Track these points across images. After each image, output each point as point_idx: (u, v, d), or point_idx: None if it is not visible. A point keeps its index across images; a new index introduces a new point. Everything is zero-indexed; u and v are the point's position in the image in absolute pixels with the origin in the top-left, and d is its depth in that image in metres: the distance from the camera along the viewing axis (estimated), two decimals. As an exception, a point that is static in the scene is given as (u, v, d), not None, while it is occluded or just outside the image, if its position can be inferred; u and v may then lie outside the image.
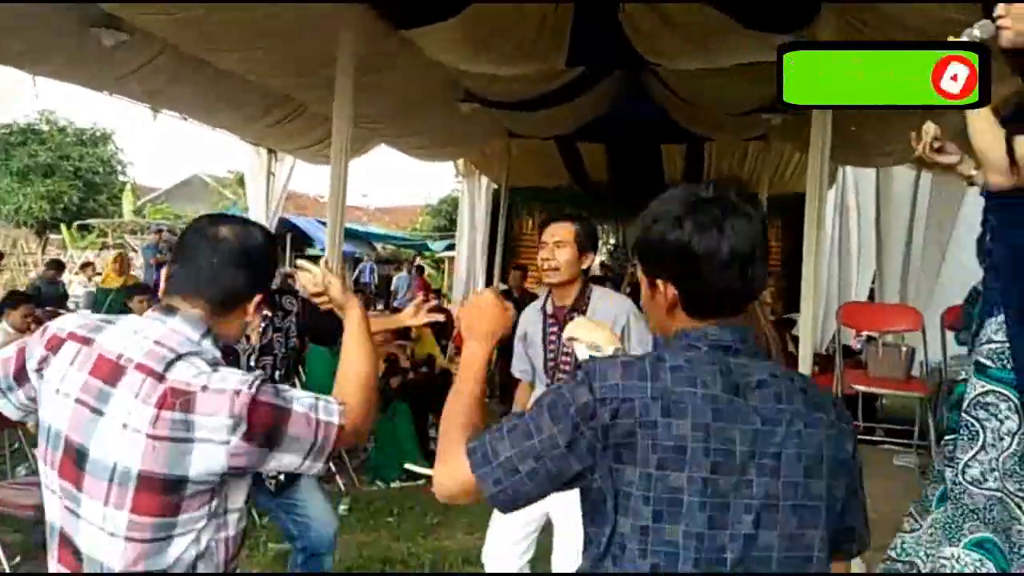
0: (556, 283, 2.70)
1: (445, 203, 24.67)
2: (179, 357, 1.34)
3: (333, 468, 5.17)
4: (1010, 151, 1.81)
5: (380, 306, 11.02)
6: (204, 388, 1.31)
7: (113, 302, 8.04)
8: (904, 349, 5.30)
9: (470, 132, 9.36)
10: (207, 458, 1.30)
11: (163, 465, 1.29)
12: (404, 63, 6.43)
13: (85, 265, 15.38)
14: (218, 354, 1.41)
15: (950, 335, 4.64)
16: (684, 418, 1.10)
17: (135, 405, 1.31)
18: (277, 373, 2.66)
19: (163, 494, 1.31)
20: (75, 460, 1.34)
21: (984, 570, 1.83)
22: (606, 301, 2.75)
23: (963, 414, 1.92)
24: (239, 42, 5.51)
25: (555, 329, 2.74)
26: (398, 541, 4.35)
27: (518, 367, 2.96)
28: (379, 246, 22.13)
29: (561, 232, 2.67)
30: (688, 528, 1.08)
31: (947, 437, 2.04)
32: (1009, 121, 1.84)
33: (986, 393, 1.87)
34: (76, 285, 12.90)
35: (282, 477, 2.62)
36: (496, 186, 11.76)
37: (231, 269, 1.42)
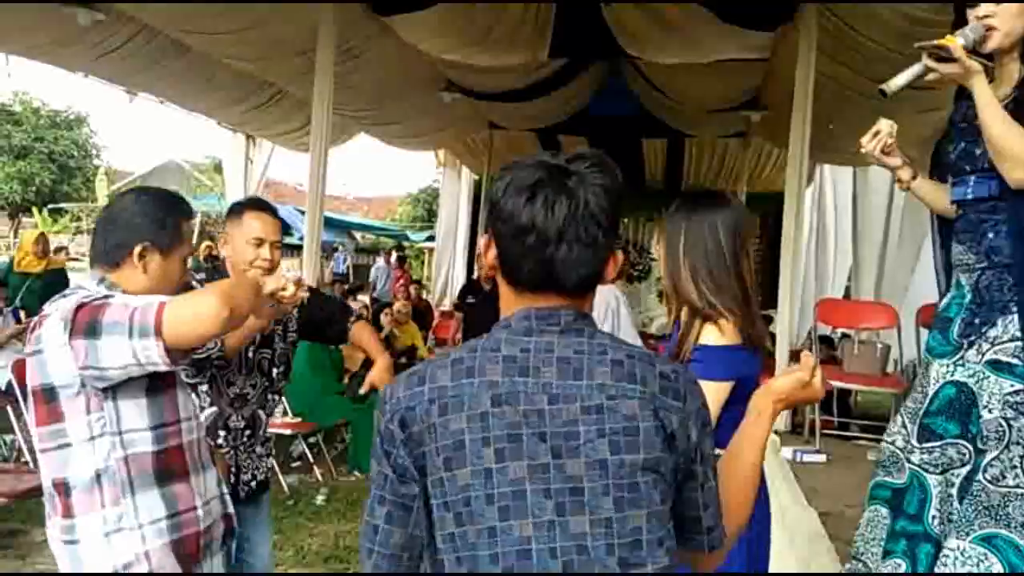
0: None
1: (425, 193, 24.57)
2: (63, 297, 1.61)
3: (311, 458, 5.15)
4: None
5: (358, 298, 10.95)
6: (57, 309, 1.56)
7: (31, 288, 6.84)
8: (879, 346, 5.36)
9: (451, 122, 9.33)
10: (57, 362, 1.53)
11: (36, 378, 1.57)
12: (385, 50, 6.39)
13: (58, 249, 15.12)
14: (105, 292, 1.62)
15: (924, 332, 4.69)
16: (460, 411, 1.02)
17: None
18: (275, 370, 2.50)
19: (45, 404, 1.57)
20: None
21: (987, 564, 1.81)
22: (632, 302, 2.73)
23: (991, 415, 1.86)
24: (216, 23, 5.44)
25: None
26: (374, 531, 4.33)
27: None
28: (358, 235, 22.00)
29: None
30: (480, 525, 1.01)
31: (928, 444, 1.99)
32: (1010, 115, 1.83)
33: (1016, 392, 1.83)
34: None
35: (254, 485, 2.49)
36: (477, 177, 11.73)
37: (103, 232, 1.71)
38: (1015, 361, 1.84)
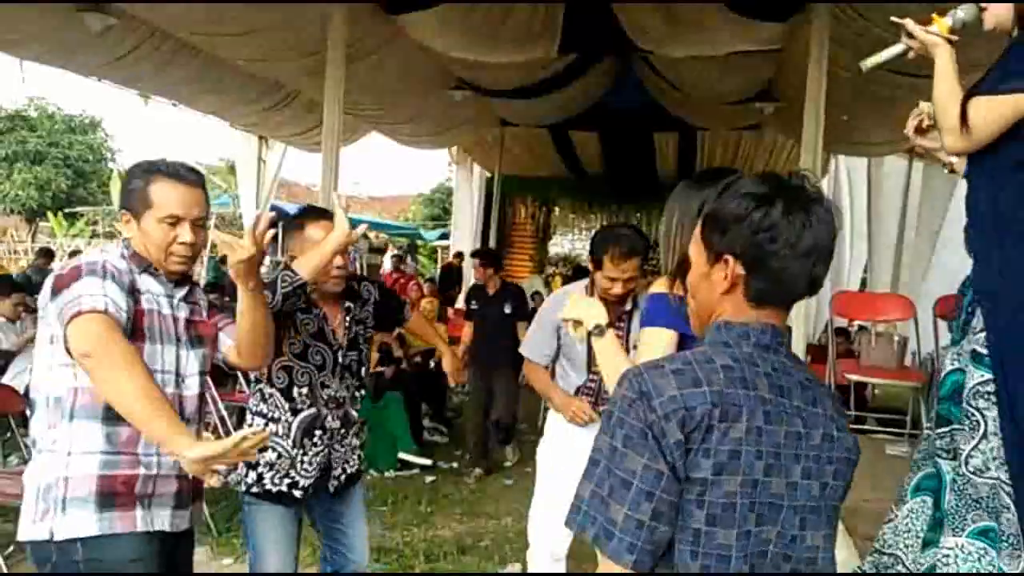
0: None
1: (438, 192, 24.59)
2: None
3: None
4: (963, 113, 1.83)
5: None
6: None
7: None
8: (896, 338, 5.31)
9: (463, 120, 9.32)
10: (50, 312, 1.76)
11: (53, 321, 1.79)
12: (395, 50, 6.39)
13: (74, 253, 15.30)
14: (115, 263, 1.81)
15: (942, 324, 4.65)
16: (739, 422, 1.08)
17: None
18: (362, 369, 2.60)
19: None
20: None
21: (988, 558, 1.82)
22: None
23: (964, 404, 1.89)
24: (227, 27, 5.46)
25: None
26: (392, 530, 4.35)
27: (538, 351, 2.96)
28: (372, 235, 22.04)
29: (632, 268, 2.74)
30: (740, 530, 1.08)
31: (941, 429, 2.02)
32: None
33: (986, 382, 1.85)
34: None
35: (343, 479, 2.55)
36: (489, 175, 11.73)
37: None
38: (983, 352, 1.88)
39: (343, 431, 2.52)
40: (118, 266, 1.79)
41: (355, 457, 2.59)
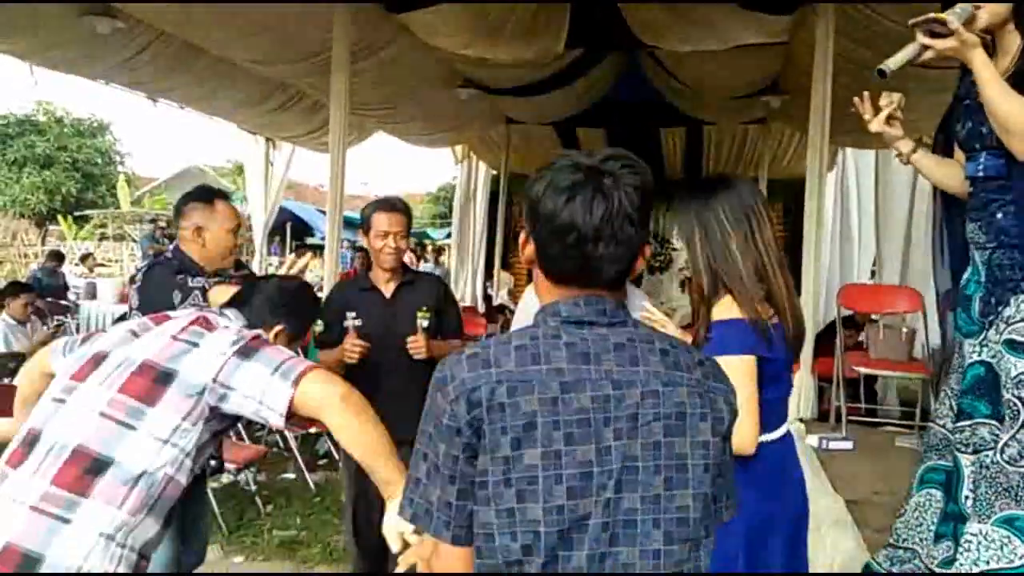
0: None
1: (444, 191, 24.62)
2: (222, 314, 1.90)
3: (336, 456, 5.19)
4: None
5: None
6: (227, 327, 1.76)
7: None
8: (905, 330, 5.29)
9: (468, 118, 9.32)
10: (204, 363, 1.61)
11: (165, 358, 1.62)
12: (400, 48, 6.40)
13: (85, 256, 15.40)
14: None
15: (949, 316, 4.63)
16: (531, 395, 1.08)
17: (170, 325, 1.73)
18: None
19: (151, 380, 1.58)
20: (95, 362, 1.66)
21: (1011, 547, 1.79)
22: (630, 285, 2.78)
23: (1005, 394, 1.85)
24: (232, 29, 5.48)
25: None
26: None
27: None
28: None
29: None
30: (547, 504, 1.06)
31: (961, 423, 1.98)
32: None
33: None
34: (73, 276, 12.88)
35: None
36: (495, 172, 11.73)
37: (261, 299, 2.00)
38: None
39: None
40: None
41: None
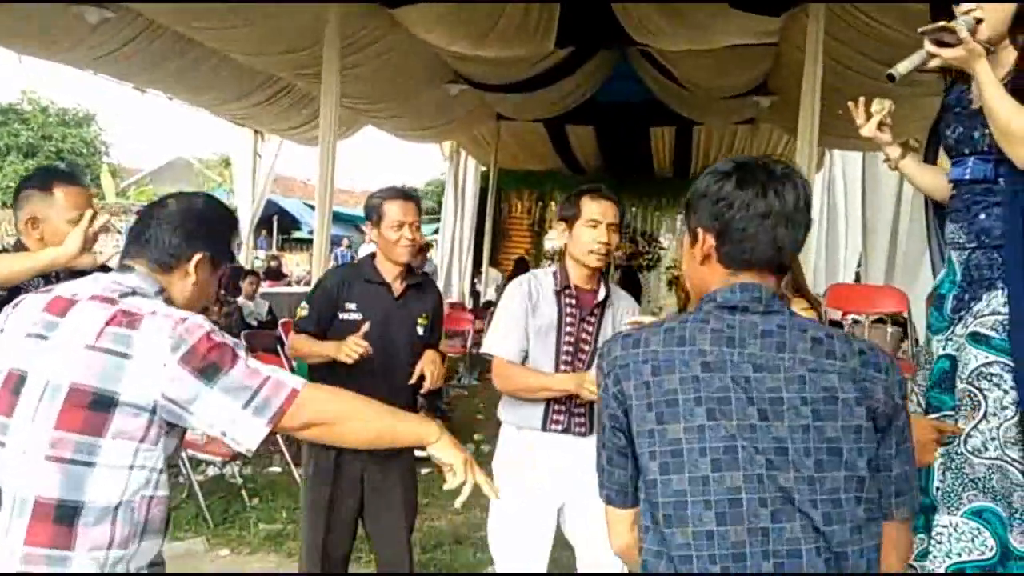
0: (598, 267, 2.53)
1: (432, 186, 24.55)
2: (134, 293, 1.46)
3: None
4: None
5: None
6: (153, 313, 1.39)
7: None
8: (890, 330, 5.35)
9: (459, 114, 9.32)
10: (144, 377, 1.33)
11: (93, 378, 1.33)
12: (392, 43, 6.38)
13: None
14: (170, 310, 1.46)
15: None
16: (672, 373, 1.18)
17: (81, 324, 1.38)
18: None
19: (88, 410, 1.33)
20: (12, 388, 1.38)
21: (981, 539, 1.84)
22: (615, 285, 2.72)
23: (964, 384, 1.91)
24: (222, 19, 5.45)
25: (577, 315, 2.52)
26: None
27: (516, 346, 2.51)
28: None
29: (613, 213, 2.49)
30: (693, 474, 1.14)
31: (930, 416, 2.05)
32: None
33: (990, 364, 1.87)
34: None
35: None
36: (484, 168, 11.73)
37: (167, 231, 1.54)
38: (992, 334, 1.89)
39: None
40: None
41: None
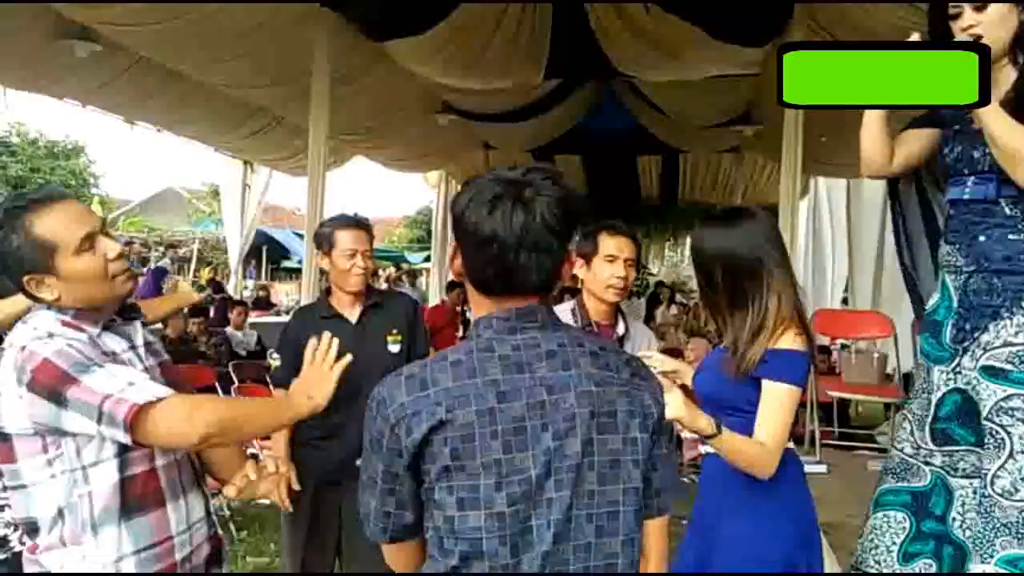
0: (615, 302, 2.53)
1: (423, 214, 24.62)
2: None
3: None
4: None
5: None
6: (11, 345, 1.43)
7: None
8: (876, 355, 5.37)
9: (447, 144, 9.39)
10: (11, 408, 1.40)
11: None
12: (380, 75, 6.45)
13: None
14: (49, 326, 1.45)
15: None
16: (468, 407, 1.11)
17: None
18: None
19: (1, 441, 1.43)
20: None
21: None
22: (632, 317, 2.69)
23: (985, 422, 1.82)
24: (210, 52, 5.50)
25: None
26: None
27: None
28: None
29: (630, 248, 2.52)
30: (490, 510, 1.10)
31: (945, 448, 1.96)
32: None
33: (1008, 397, 1.79)
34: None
35: None
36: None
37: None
38: (1008, 367, 1.80)
39: None
40: None
41: None
